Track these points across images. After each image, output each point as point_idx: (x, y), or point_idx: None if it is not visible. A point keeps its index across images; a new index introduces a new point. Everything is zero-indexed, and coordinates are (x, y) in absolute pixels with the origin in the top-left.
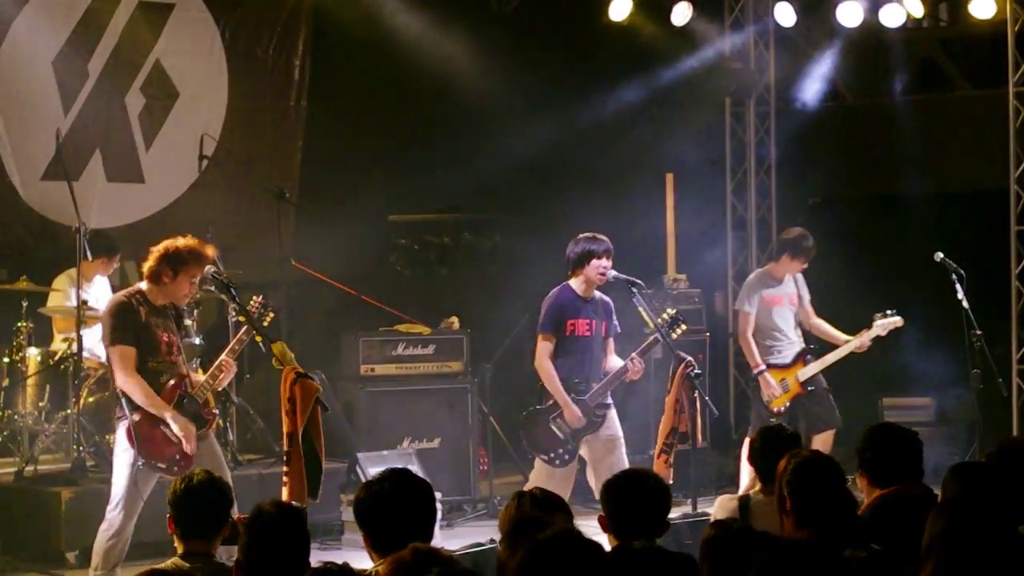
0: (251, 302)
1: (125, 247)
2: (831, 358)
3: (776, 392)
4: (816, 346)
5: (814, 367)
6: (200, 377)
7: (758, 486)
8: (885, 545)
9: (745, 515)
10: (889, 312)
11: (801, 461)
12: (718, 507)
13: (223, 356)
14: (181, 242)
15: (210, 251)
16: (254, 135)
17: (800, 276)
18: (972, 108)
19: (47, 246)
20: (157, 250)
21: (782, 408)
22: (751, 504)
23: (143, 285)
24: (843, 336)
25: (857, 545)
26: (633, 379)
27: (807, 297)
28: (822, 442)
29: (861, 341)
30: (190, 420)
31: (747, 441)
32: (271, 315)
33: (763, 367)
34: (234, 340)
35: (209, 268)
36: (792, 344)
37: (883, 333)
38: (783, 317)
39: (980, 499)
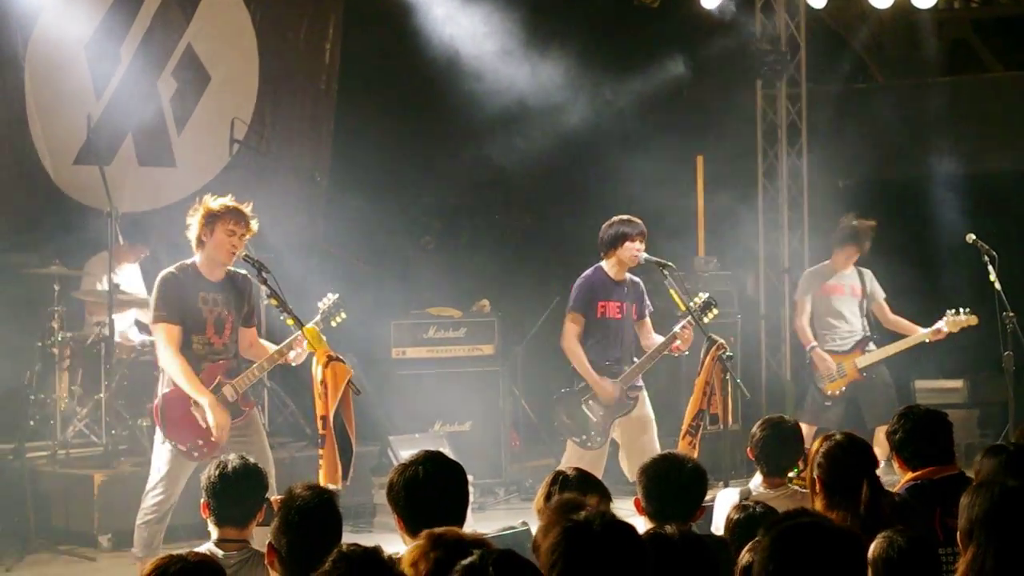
0: (327, 297)
1: (156, 231)
2: (893, 348)
3: (832, 368)
4: (878, 336)
5: (875, 355)
6: (271, 346)
7: (759, 478)
8: (919, 527)
9: None
10: (963, 310)
11: (833, 444)
12: (720, 501)
13: (292, 338)
14: (218, 203)
15: (246, 208)
16: (285, 119)
17: (870, 273)
18: (1004, 89)
19: (79, 231)
20: (196, 214)
21: (836, 392)
22: (752, 497)
23: (197, 258)
24: (920, 329)
25: (887, 528)
26: (683, 349)
27: (880, 294)
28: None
29: (926, 333)
30: (226, 410)
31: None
32: (342, 316)
33: (815, 343)
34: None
35: (241, 252)
36: (852, 333)
37: (954, 330)
38: (842, 306)
39: (1015, 478)
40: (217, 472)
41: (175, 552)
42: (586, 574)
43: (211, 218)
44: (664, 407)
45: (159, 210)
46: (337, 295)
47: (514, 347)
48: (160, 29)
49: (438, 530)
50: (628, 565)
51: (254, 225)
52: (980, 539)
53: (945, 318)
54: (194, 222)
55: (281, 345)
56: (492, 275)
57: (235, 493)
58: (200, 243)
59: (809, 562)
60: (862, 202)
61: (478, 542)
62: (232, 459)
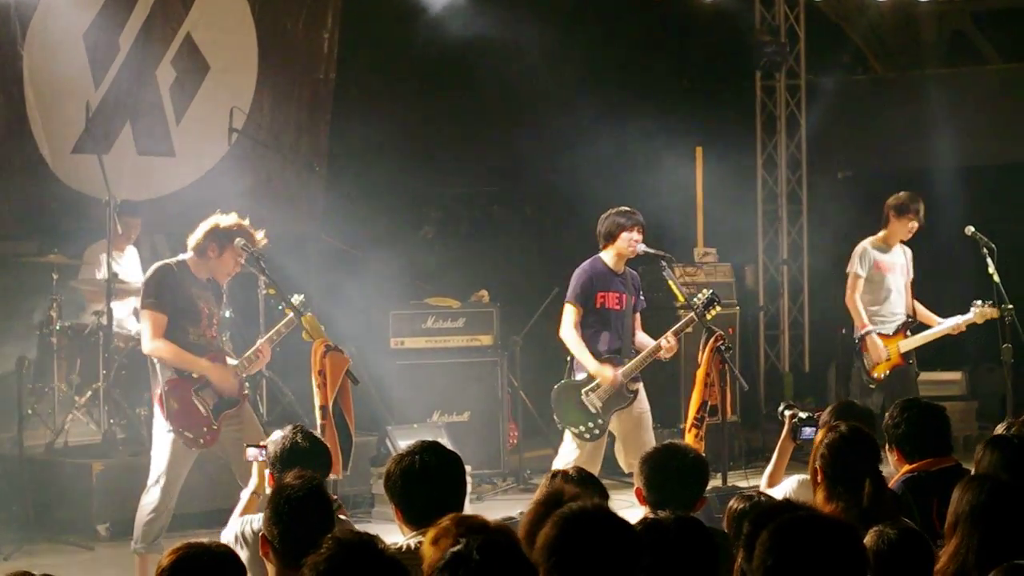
0: (294, 298)
1: (155, 221)
2: (930, 334)
3: (883, 355)
4: (914, 321)
5: (915, 340)
6: (232, 361)
7: None
8: (915, 519)
9: None
10: (987, 302)
11: (837, 436)
12: (799, 487)
13: (260, 343)
14: (230, 220)
15: (258, 235)
16: (284, 108)
17: (910, 252)
18: (1003, 81)
19: (77, 219)
20: (205, 225)
21: (881, 376)
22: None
23: (186, 256)
24: (936, 318)
25: (888, 521)
26: (666, 357)
27: (911, 275)
28: None
29: (956, 323)
30: (226, 368)
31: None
32: (309, 313)
33: (871, 328)
34: (273, 331)
35: (239, 241)
36: (898, 315)
37: (979, 321)
38: (894, 285)
39: (1010, 474)
40: (283, 498)
41: (195, 540)
42: (580, 563)
43: (225, 239)
44: (659, 399)
45: (158, 199)
46: (302, 296)
47: (513, 337)
48: (159, 18)
49: (467, 515)
50: (622, 556)
51: (239, 242)
52: (964, 532)
53: (973, 309)
54: (202, 233)
55: (248, 353)
56: (491, 265)
57: (305, 526)
58: (203, 254)
59: (809, 555)
60: (860, 194)
61: (503, 529)
62: (294, 484)
